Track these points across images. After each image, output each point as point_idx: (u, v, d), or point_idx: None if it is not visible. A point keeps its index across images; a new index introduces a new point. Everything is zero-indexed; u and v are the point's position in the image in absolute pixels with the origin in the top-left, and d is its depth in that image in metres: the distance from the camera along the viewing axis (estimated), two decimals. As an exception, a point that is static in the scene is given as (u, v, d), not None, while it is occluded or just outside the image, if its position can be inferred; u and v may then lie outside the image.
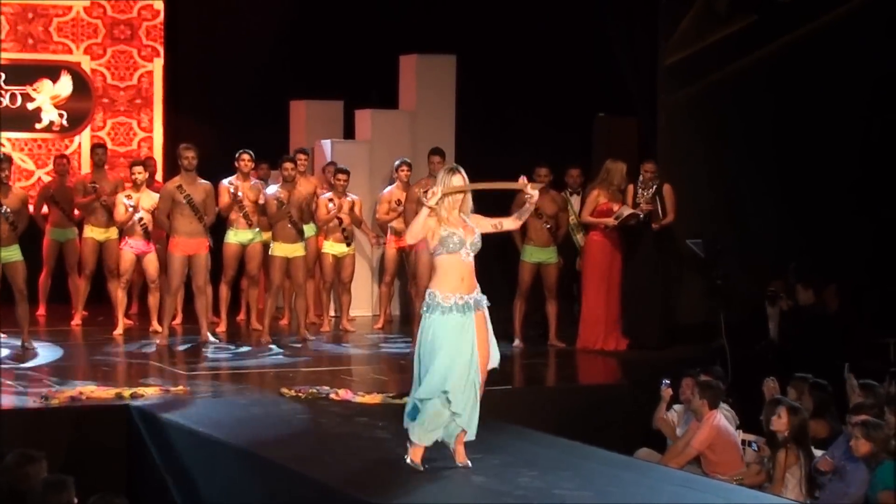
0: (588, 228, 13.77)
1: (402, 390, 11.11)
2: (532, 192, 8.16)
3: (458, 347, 7.87)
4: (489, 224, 8.16)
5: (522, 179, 8.17)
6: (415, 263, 13.74)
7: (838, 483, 8.72)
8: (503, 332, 8.89)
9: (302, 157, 14.97)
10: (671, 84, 14.83)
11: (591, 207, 13.63)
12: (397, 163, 15.22)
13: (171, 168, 14.31)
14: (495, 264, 14.47)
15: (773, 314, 13.59)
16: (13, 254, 12.85)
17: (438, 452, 8.11)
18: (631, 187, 13.64)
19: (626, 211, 13.45)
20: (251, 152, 14.32)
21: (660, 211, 13.53)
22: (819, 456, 9.15)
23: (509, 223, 8.39)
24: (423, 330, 7.97)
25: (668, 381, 10.76)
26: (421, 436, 8.01)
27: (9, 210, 12.83)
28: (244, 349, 13.62)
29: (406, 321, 14.78)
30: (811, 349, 12.39)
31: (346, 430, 9.49)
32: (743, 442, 10.16)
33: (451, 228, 7.94)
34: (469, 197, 8.06)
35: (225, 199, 14.09)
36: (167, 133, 17.74)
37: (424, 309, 7.98)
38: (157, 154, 17.45)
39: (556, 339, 13.94)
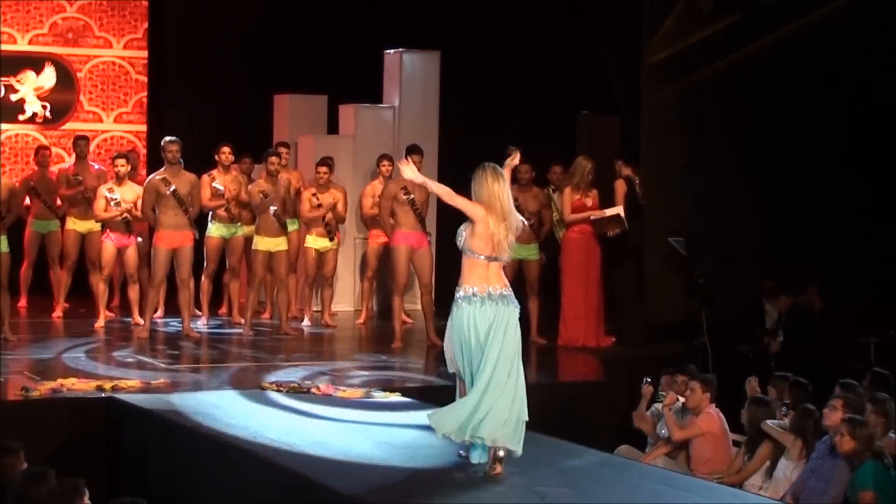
0: (568, 225, 13.77)
1: (383, 386, 11.15)
2: None
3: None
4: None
5: None
6: (393, 259, 13.72)
7: (816, 482, 8.72)
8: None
9: (283, 150, 15.00)
10: (655, 82, 14.79)
11: (568, 205, 13.66)
12: (378, 157, 15.23)
13: (154, 161, 14.26)
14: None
15: (770, 310, 13.60)
16: (-2, 245, 12.78)
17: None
18: (622, 183, 13.66)
19: (610, 212, 13.49)
20: (231, 145, 14.33)
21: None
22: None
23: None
24: None
25: (649, 379, 10.77)
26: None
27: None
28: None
29: (387, 316, 14.76)
30: (796, 348, 12.45)
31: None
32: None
33: None
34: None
35: (207, 193, 14.07)
36: (150, 125, 17.69)
37: None
38: (140, 146, 17.38)
39: (538, 336, 13.93)
